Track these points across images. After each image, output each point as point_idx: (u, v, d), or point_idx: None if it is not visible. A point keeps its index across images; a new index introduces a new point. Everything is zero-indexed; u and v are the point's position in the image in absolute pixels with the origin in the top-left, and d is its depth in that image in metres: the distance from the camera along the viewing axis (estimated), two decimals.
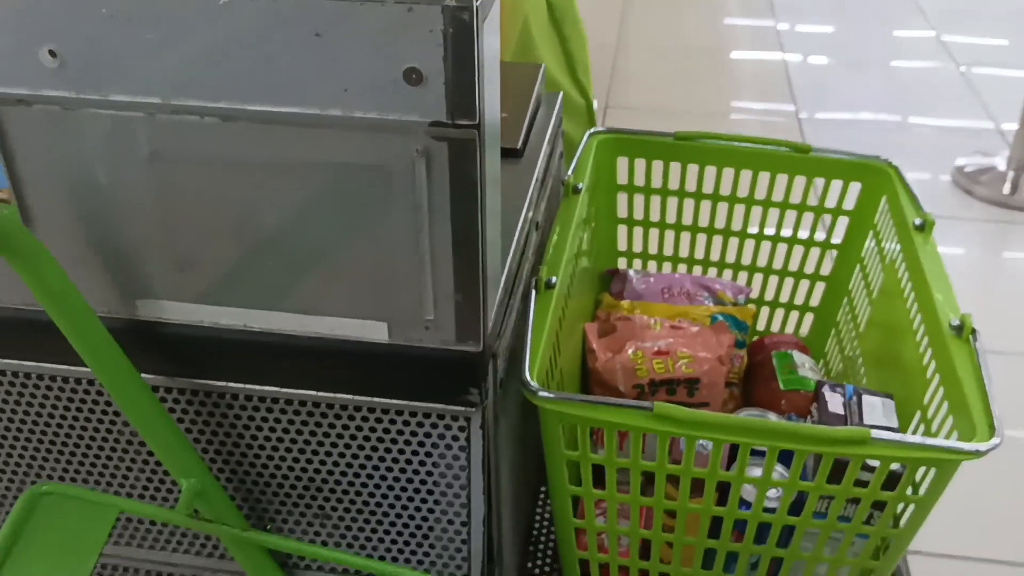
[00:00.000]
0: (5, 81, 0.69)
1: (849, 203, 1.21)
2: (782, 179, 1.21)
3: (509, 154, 1.02)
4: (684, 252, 1.29)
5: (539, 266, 0.94)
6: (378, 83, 0.65)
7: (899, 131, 2.75)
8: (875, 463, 0.80)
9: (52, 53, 0.67)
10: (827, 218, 1.22)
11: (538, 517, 1.18)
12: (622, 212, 1.27)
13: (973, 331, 0.89)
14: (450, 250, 0.70)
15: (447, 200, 0.68)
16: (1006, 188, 2.27)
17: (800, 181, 1.21)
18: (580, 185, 1.09)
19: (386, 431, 0.81)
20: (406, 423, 0.80)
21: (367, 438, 0.82)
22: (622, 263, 1.31)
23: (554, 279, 0.94)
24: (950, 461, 0.78)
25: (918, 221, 1.06)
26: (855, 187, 1.20)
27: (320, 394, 0.79)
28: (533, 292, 0.92)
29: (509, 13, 1.25)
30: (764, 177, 1.21)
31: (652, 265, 1.30)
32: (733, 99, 3.63)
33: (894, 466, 0.80)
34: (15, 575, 0.78)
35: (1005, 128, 2.69)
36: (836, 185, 1.20)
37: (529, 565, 1.06)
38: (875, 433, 0.77)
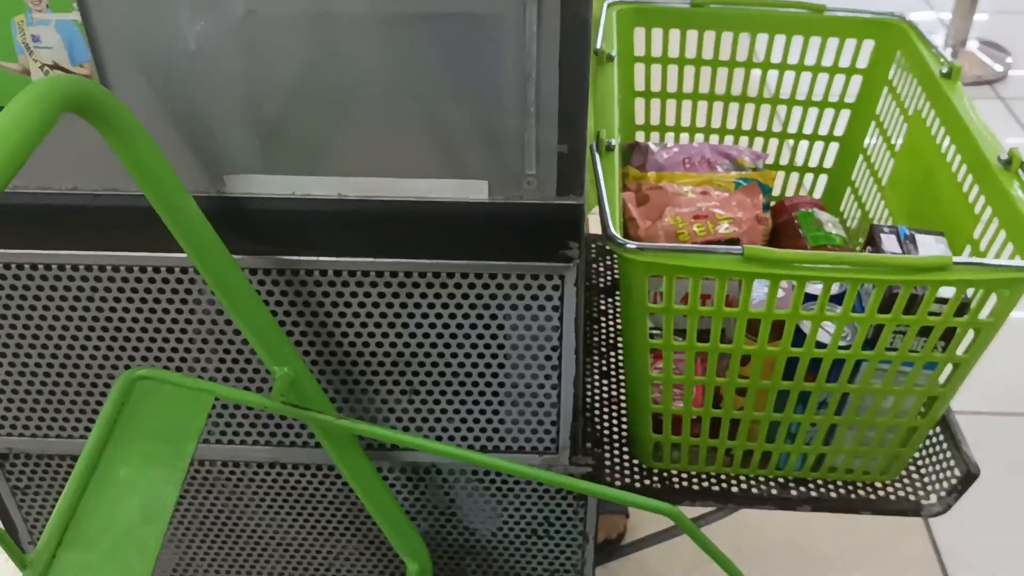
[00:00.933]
0: None
1: (863, 62, 1.23)
2: (797, 41, 1.22)
3: None
4: (701, 122, 1.30)
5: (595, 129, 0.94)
6: None
7: None
8: (949, 293, 0.84)
9: None
10: (841, 78, 1.24)
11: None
12: (639, 85, 1.27)
13: (1023, 164, 0.92)
14: (556, 101, 0.70)
15: (556, 46, 0.68)
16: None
17: (815, 42, 1.22)
18: (613, 53, 1.09)
19: (479, 296, 0.81)
20: (499, 286, 0.81)
21: (459, 305, 0.82)
22: (639, 137, 1.32)
23: (614, 141, 0.94)
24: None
25: (944, 69, 1.08)
26: (869, 45, 1.22)
27: (417, 261, 0.79)
28: (597, 155, 0.92)
29: None
30: (780, 41, 1.22)
31: (670, 137, 1.31)
32: None
33: (969, 291, 0.84)
34: (116, 459, 0.77)
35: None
36: (850, 45, 1.22)
37: (589, 430, 1.08)
38: (956, 258, 0.80)
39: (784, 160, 1.31)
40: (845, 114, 1.27)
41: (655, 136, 1.31)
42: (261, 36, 0.69)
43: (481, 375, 0.87)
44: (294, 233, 0.79)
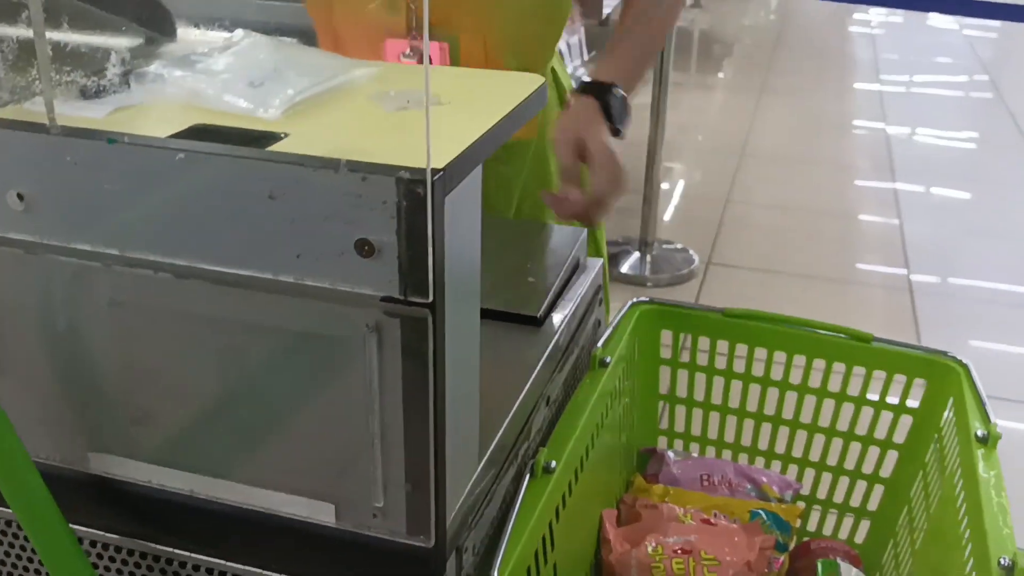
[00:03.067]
0: None
1: (914, 400, 1.09)
2: (839, 368, 1.11)
3: (528, 322, 0.96)
4: (729, 437, 1.19)
5: (540, 447, 0.87)
6: (330, 252, 0.61)
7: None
8: None
9: (19, 196, 0.66)
10: (888, 415, 1.11)
11: None
12: (664, 388, 1.19)
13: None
14: (401, 435, 0.64)
15: (398, 380, 0.63)
16: None
17: (859, 372, 1.10)
18: (608, 359, 1.02)
19: None
20: None
21: None
22: (662, 442, 1.22)
23: (554, 463, 0.86)
24: None
25: (981, 432, 0.94)
26: (920, 384, 1.09)
27: (264, 572, 0.73)
28: (527, 477, 0.84)
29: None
30: (819, 364, 1.12)
31: (695, 448, 1.21)
32: (851, 261, 3.51)
33: None
34: None
35: None
36: (899, 381, 1.09)
37: None
38: None
39: (822, 494, 1.17)
40: (893, 455, 1.12)
41: (679, 444, 1.21)
42: (122, 327, 0.69)
43: None
44: (151, 520, 0.75)
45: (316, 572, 0.72)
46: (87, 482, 0.75)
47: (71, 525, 0.72)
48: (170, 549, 0.75)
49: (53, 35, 0.71)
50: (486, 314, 0.97)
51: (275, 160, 0.61)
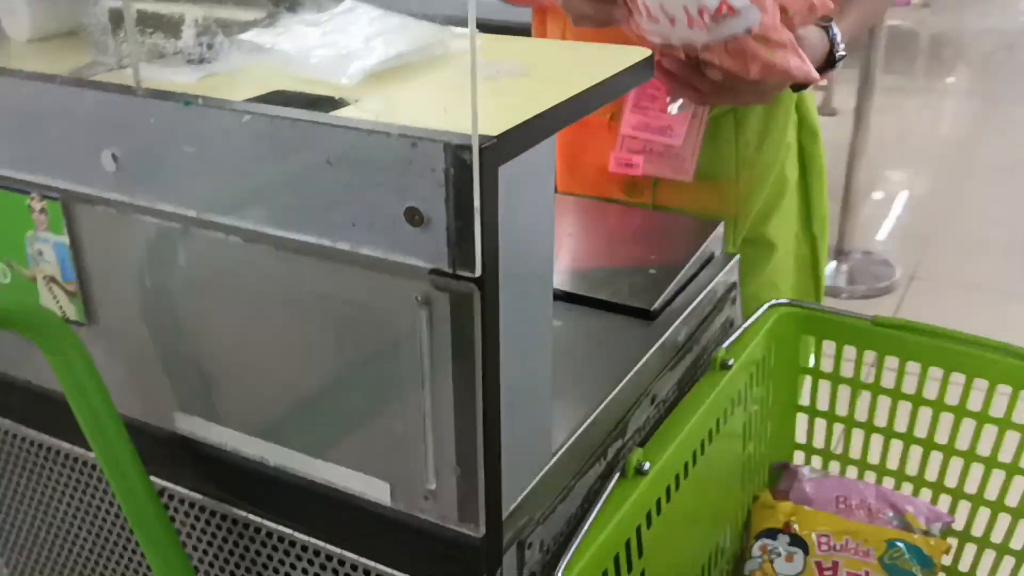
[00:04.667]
0: (76, 179, 0.71)
1: None
2: (1004, 390, 0.99)
3: (640, 315, 0.91)
4: (874, 459, 1.08)
5: (637, 447, 0.82)
6: (382, 220, 0.59)
7: None
8: None
9: (114, 157, 0.69)
10: None
11: None
12: (804, 399, 1.10)
13: None
14: (452, 415, 0.62)
15: (448, 358, 0.60)
16: None
17: None
18: (731, 361, 0.95)
19: None
20: None
21: None
22: (799, 458, 1.13)
23: (648, 465, 0.81)
24: None
25: None
26: None
27: (325, 546, 0.72)
28: (616, 476, 0.79)
29: (768, 166, 1.16)
30: (980, 385, 1.00)
31: (835, 467, 1.11)
32: None
33: None
34: None
35: None
36: None
37: None
38: None
39: (978, 531, 1.04)
40: None
41: (817, 461, 1.11)
42: (198, 289, 0.70)
43: None
44: (224, 482, 0.76)
45: (373, 551, 0.71)
46: (171, 440, 0.77)
47: (153, 477, 0.75)
48: (242, 513, 0.76)
49: (154, 6, 0.73)
50: (596, 304, 0.93)
51: (331, 124, 0.59)
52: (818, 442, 1.11)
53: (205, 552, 0.81)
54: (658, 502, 0.83)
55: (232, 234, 0.65)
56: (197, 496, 0.78)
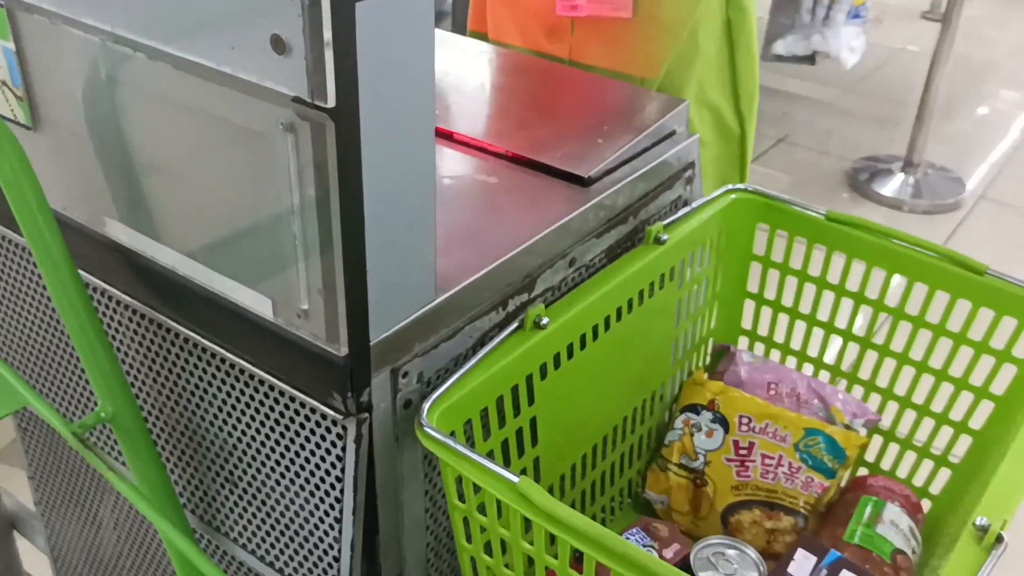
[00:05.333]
0: None
1: (1021, 349, 0.95)
2: (942, 298, 0.99)
3: (575, 181, 0.93)
4: (813, 351, 1.10)
5: (542, 305, 0.85)
6: (255, 46, 0.62)
7: None
8: None
9: None
10: (988, 360, 0.97)
11: None
12: (752, 287, 1.11)
13: (999, 539, 0.66)
14: (317, 239, 0.66)
15: (312, 184, 0.64)
16: None
17: (963, 306, 0.97)
18: (665, 237, 0.97)
19: (272, 408, 0.79)
20: (286, 406, 0.77)
21: (258, 409, 0.80)
22: (744, 343, 1.15)
23: (547, 320, 0.84)
24: None
25: None
26: None
27: (227, 353, 0.79)
28: (513, 326, 0.84)
29: (674, 21, 1.17)
30: (920, 290, 0.99)
31: (776, 355, 1.13)
32: None
33: None
34: None
35: None
36: (1008, 324, 0.95)
37: None
38: None
39: (902, 431, 1.06)
40: (987, 405, 0.99)
41: (761, 349, 1.13)
42: (114, 101, 0.74)
43: (269, 495, 0.83)
44: (146, 286, 0.82)
45: (263, 361, 0.77)
46: (104, 244, 0.83)
47: (86, 275, 0.82)
48: (159, 316, 0.83)
49: None
50: (536, 166, 0.96)
51: None
52: (762, 330, 1.12)
53: (129, 348, 0.89)
54: (557, 357, 0.87)
55: (139, 50, 0.70)
56: (124, 297, 0.85)
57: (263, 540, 0.87)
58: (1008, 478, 0.71)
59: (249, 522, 0.88)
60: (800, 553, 0.75)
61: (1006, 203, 3.07)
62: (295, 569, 0.86)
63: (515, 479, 0.68)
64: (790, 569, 0.73)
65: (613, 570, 0.65)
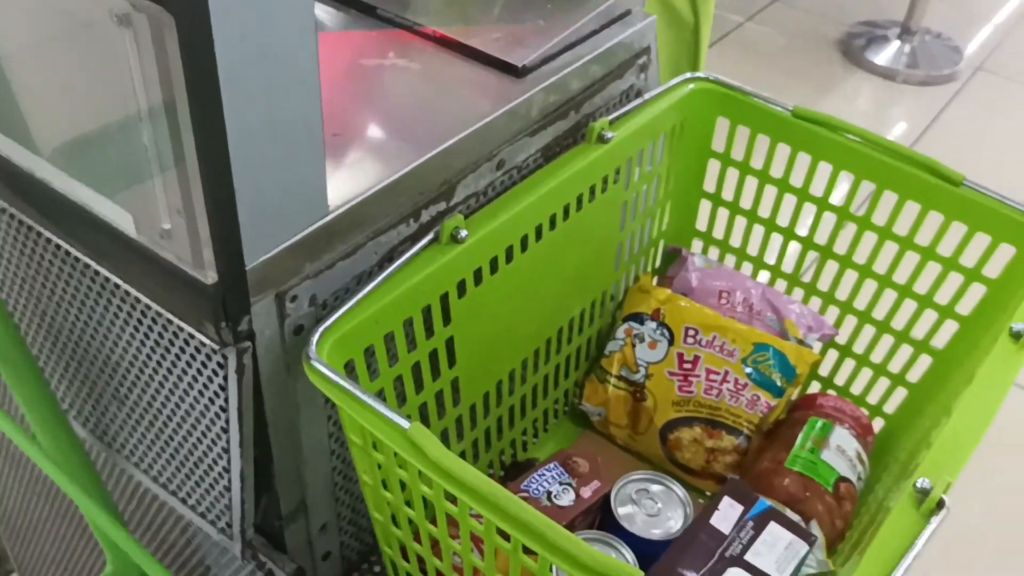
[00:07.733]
0: None
1: (993, 268, 0.87)
2: (912, 208, 0.90)
3: (507, 70, 0.82)
4: (771, 258, 1.01)
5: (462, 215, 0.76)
6: None
7: None
8: None
9: None
10: (956, 278, 0.89)
11: None
12: (708, 185, 1.02)
13: (940, 503, 0.60)
14: (171, 153, 0.56)
15: (159, 91, 0.54)
16: None
17: (934, 219, 0.89)
18: (609, 135, 0.87)
19: (150, 329, 0.71)
20: (164, 327, 0.69)
21: (137, 328, 0.72)
22: (697, 246, 1.06)
23: (465, 232, 0.75)
24: None
25: (1017, 326, 0.73)
26: (1006, 251, 0.86)
27: (96, 265, 0.70)
28: (426, 240, 0.75)
29: None
30: (889, 199, 0.90)
31: (732, 261, 1.04)
32: None
33: None
34: None
35: None
36: (981, 241, 0.87)
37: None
38: None
39: (859, 347, 0.99)
40: (951, 325, 0.91)
41: (715, 253, 1.05)
42: None
43: (158, 414, 0.77)
44: (17, 191, 0.73)
45: (134, 278, 0.68)
46: None
47: None
48: (31, 222, 0.74)
49: None
50: (466, 52, 0.84)
51: None
52: (718, 232, 1.04)
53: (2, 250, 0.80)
54: (478, 272, 0.79)
55: None
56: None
57: (155, 461, 0.81)
58: (955, 435, 0.64)
59: (140, 441, 0.81)
60: (726, 502, 0.69)
61: (1004, 75, 2.93)
62: (189, 493, 0.80)
63: (406, 424, 0.61)
64: (713, 520, 0.67)
65: (509, 532, 0.58)
